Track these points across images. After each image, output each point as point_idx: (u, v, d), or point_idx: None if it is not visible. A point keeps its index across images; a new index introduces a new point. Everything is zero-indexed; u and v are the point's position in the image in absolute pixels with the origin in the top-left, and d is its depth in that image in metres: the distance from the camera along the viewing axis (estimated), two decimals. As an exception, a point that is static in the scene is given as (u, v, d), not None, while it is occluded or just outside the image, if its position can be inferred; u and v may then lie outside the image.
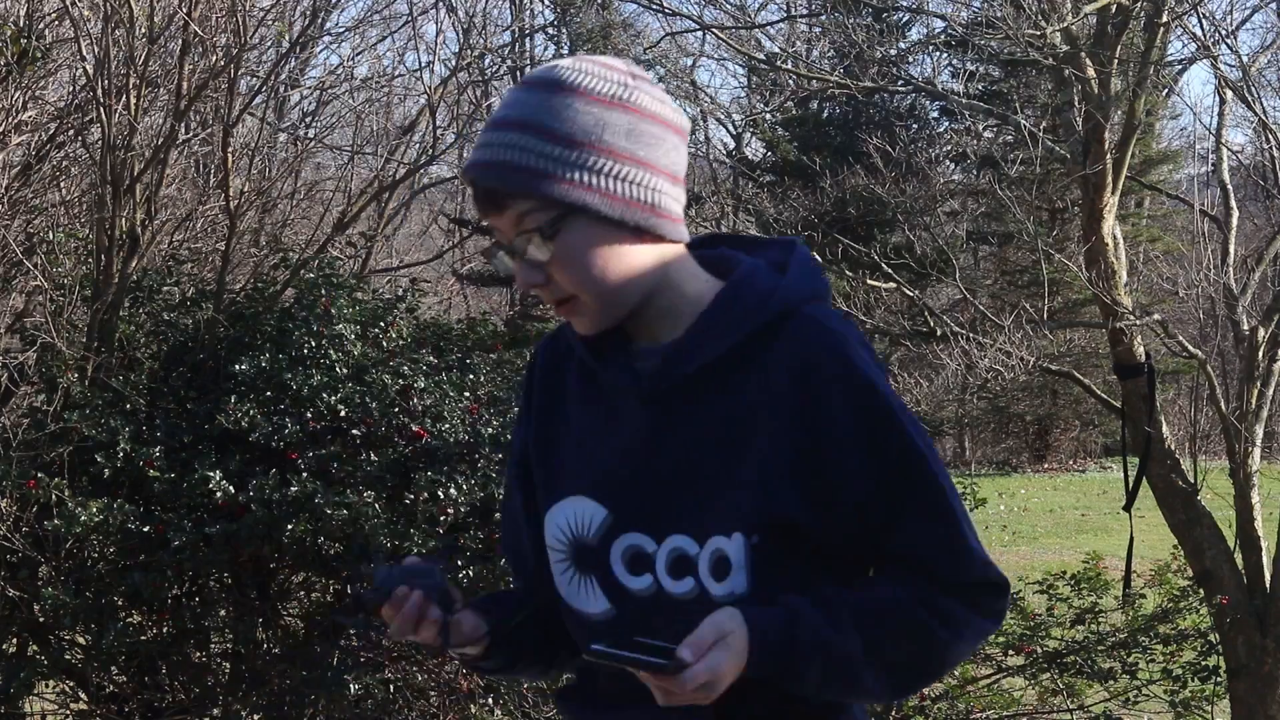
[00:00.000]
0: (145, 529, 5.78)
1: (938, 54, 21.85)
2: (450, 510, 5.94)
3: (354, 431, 6.15)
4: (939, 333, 9.07)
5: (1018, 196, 17.91)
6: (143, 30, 6.52)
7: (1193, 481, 8.31)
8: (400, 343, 6.57)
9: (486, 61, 13.53)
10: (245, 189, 7.53)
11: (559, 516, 1.92)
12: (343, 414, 6.11)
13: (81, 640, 6.28)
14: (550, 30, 21.65)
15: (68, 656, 6.22)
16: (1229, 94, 9.26)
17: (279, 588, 6.60)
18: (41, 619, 6.19)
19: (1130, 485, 8.03)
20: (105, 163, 6.45)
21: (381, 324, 6.57)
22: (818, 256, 2.06)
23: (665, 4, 10.36)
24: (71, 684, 6.53)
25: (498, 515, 5.79)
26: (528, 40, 21.27)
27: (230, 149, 6.96)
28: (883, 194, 16.24)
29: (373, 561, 1.89)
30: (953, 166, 24.24)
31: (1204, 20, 8.57)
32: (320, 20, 11.84)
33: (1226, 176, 9.27)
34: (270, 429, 5.99)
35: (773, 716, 1.85)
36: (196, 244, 8.07)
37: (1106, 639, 7.52)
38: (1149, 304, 14.63)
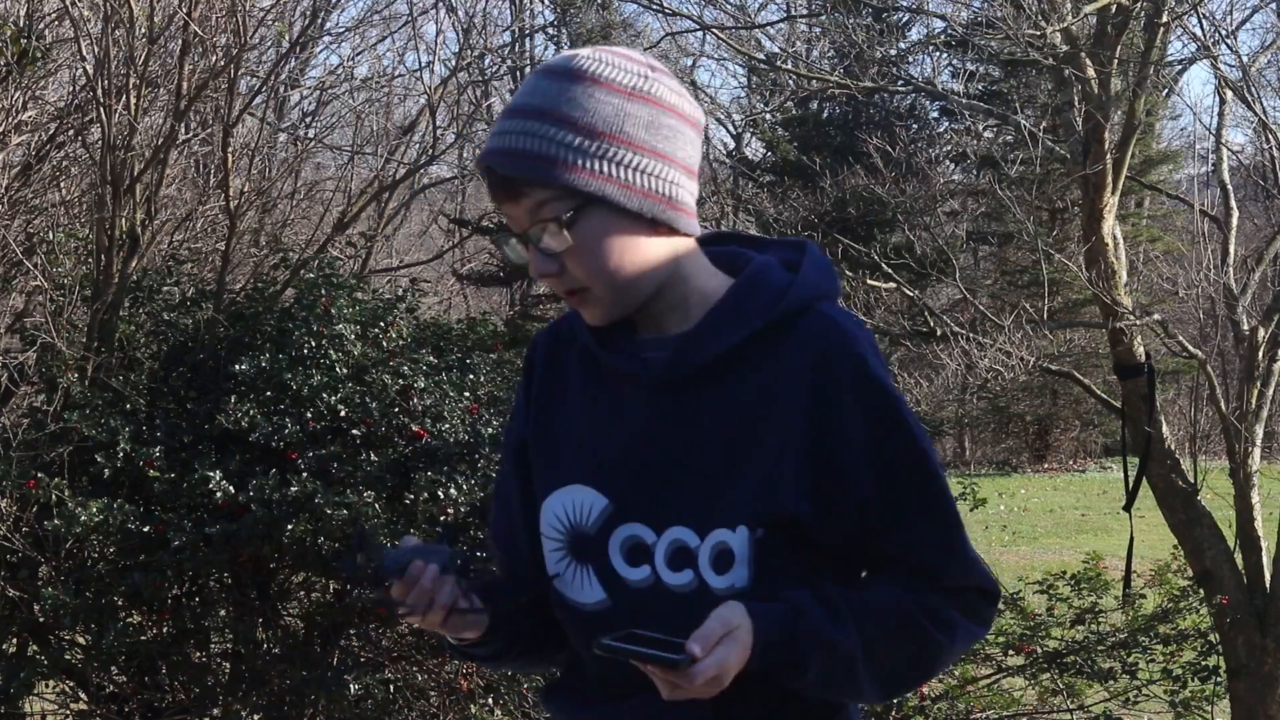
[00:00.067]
0: (145, 529, 5.78)
1: (938, 54, 21.86)
2: (450, 510, 5.94)
3: (354, 431, 6.15)
4: (939, 333, 9.07)
5: (1018, 196, 17.92)
6: (143, 30, 6.52)
7: (1193, 481, 8.31)
8: (400, 343, 6.57)
9: (486, 61, 13.53)
10: (245, 189, 7.52)
11: (556, 505, 1.91)
12: (343, 414, 6.11)
13: (81, 640, 6.27)
14: (550, 30, 21.65)
15: (68, 656, 6.22)
16: (1229, 94, 9.26)
17: (279, 588, 6.60)
18: (41, 619, 6.19)
19: (1130, 485, 8.03)
20: (105, 163, 6.45)
21: (381, 324, 6.57)
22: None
23: (665, 4, 10.36)
24: (71, 684, 6.53)
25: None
26: (528, 40, 21.28)
27: (230, 149, 6.95)
28: (883, 194, 16.24)
29: (366, 545, 1.86)
30: (953, 166, 24.24)
31: (1204, 20, 8.57)
32: (320, 20, 11.85)
33: (1226, 176, 9.27)
34: (270, 429, 5.99)
35: (771, 714, 1.85)
36: (196, 244, 8.07)
37: (1106, 639, 7.52)
38: (1149, 304, 14.63)
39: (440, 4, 13.12)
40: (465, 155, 13.74)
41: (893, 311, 12.65)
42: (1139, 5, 7.98)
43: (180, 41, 6.75)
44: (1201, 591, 7.94)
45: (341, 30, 14.32)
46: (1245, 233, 13.04)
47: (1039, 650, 7.47)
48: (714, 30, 10.46)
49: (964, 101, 12.61)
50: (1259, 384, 8.43)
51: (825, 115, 24.13)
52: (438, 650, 6.35)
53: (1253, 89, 9.08)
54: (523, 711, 6.40)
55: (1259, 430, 8.43)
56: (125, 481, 6.06)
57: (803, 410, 1.82)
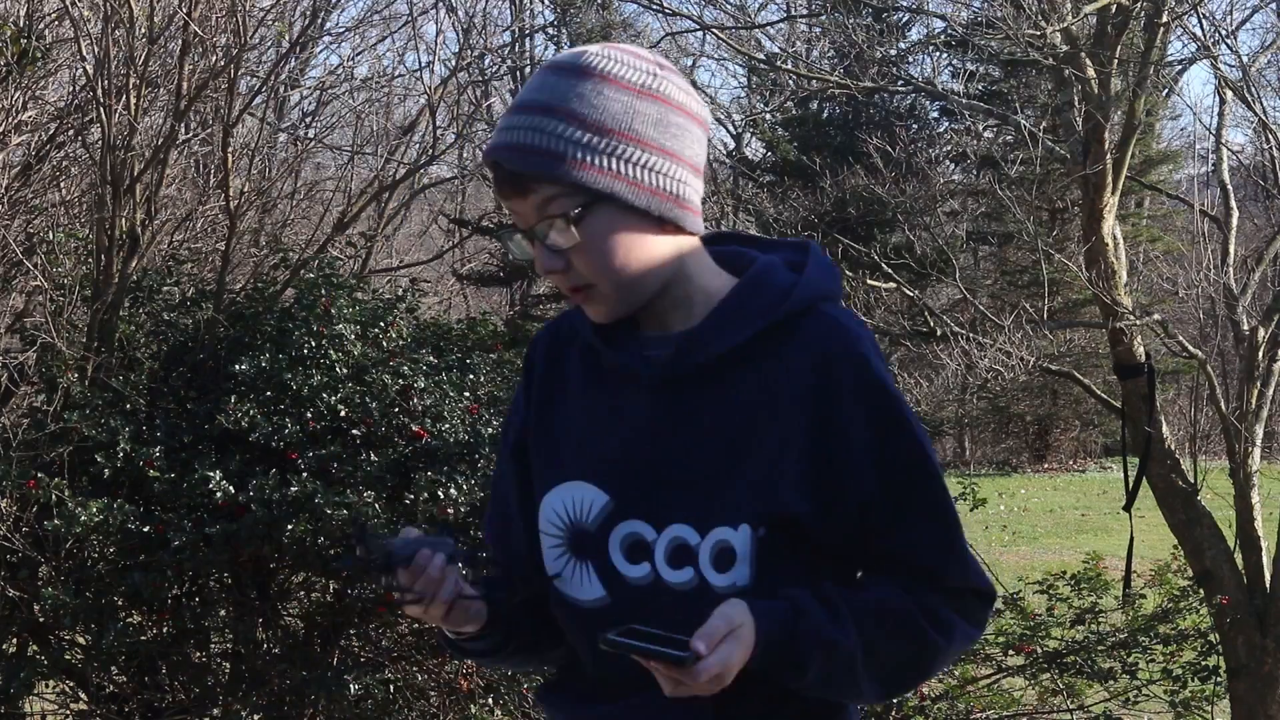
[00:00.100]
0: (145, 529, 5.78)
1: (938, 54, 21.86)
2: (450, 510, 5.94)
3: (354, 431, 6.14)
4: (939, 333, 9.07)
5: (1018, 196, 17.92)
6: (143, 30, 6.52)
7: (1193, 481, 8.31)
8: (400, 343, 6.56)
9: (486, 61, 13.53)
10: (245, 189, 7.52)
11: (555, 501, 1.91)
12: (343, 414, 6.11)
13: (81, 640, 6.27)
14: (550, 30, 21.66)
15: (68, 656, 6.22)
16: (1229, 94, 9.26)
17: (279, 588, 6.60)
18: (41, 619, 6.19)
19: (1130, 485, 8.03)
20: (105, 163, 6.45)
21: (381, 324, 6.57)
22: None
23: (665, 4, 10.35)
24: (71, 684, 6.52)
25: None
26: (528, 40, 21.28)
27: (230, 149, 6.95)
28: (883, 194, 16.23)
29: (366, 539, 1.84)
30: (953, 166, 24.25)
31: (1204, 20, 8.56)
32: (320, 20, 11.85)
33: (1226, 176, 9.27)
34: (270, 429, 5.99)
35: (770, 714, 1.85)
36: (196, 244, 8.07)
37: (1106, 639, 7.52)
38: (1149, 304, 14.64)
39: (440, 4, 13.13)
40: (465, 155, 13.75)
41: (893, 311, 12.65)
42: (1139, 5, 7.98)
43: (180, 41, 6.75)
44: (1201, 591, 7.94)
45: (341, 30, 14.32)
46: (1245, 233, 13.03)
47: (1039, 650, 7.47)
48: (714, 30, 10.46)
49: (964, 101, 12.61)
50: (1259, 384, 8.43)
51: (825, 115, 24.14)
52: (438, 650, 6.35)
53: (1253, 89, 9.08)
54: (523, 711, 6.40)
55: (1259, 430, 8.42)
56: (125, 481, 6.06)
57: (805, 410, 1.82)
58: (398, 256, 15.55)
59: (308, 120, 14.15)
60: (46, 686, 6.78)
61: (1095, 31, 8.20)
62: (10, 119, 6.76)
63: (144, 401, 6.23)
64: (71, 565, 6.03)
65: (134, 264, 6.49)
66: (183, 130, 7.19)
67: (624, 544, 1.86)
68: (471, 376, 6.51)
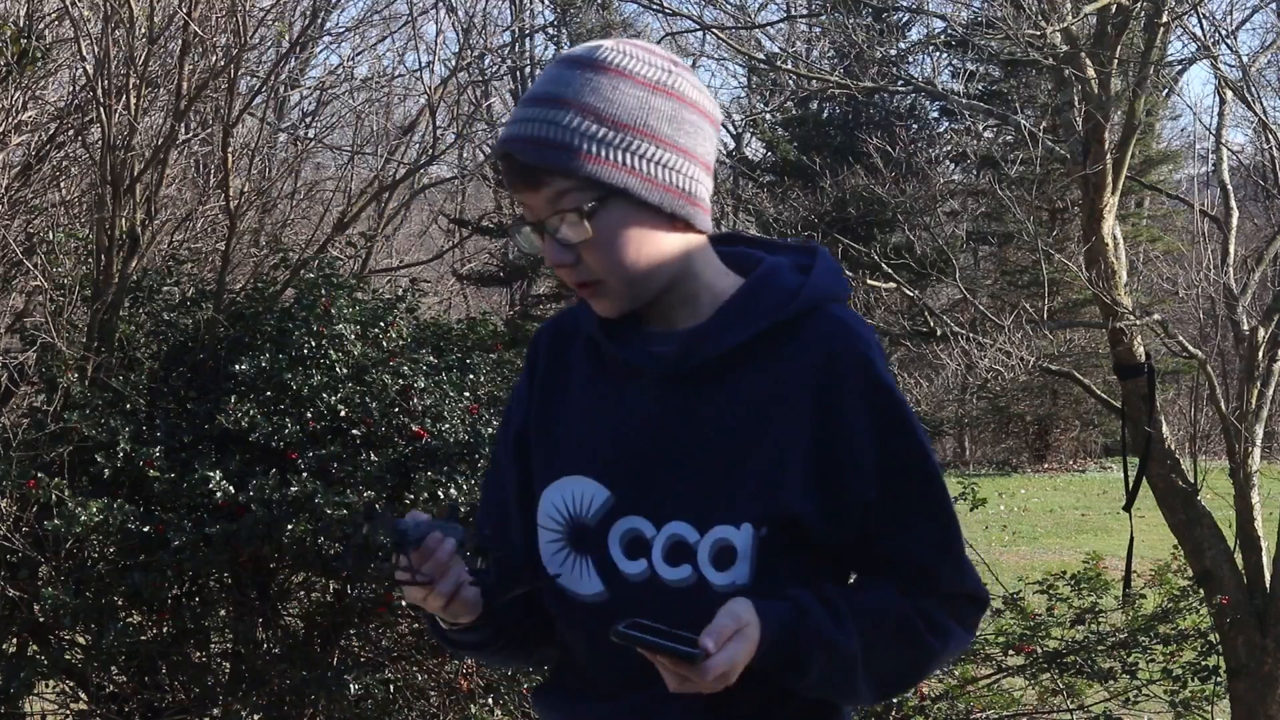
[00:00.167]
0: (145, 529, 5.78)
1: (938, 54, 21.87)
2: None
3: (354, 431, 6.14)
4: (939, 333, 9.08)
5: (1018, 196, 17.92)
6: (143, 30, 6.51)
7: (1193, 481, 8.31)
8: (400, 343, 6.56)
9: (486, 61, 13.53)
10: (245, 189, 7.52)
11: (555, 495, 1.91)
12: (343, 414, 6.11)
13: (81, 640, 6.27)
14: (550, 30, 21.67)
15: (68, 656, 6.22)
16: (1229, 94, 9.26)
17: (279, 588, 6.60)
18: (41, 619, 6.19)
19: (1130, 485, 8.03)
20: (105, 163, 6.45)
21: (381, 324, 6.57)
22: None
23: (665, 4, 10.35)
24: (71, 684, 6.52)
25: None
26: (528, 40, 21.29)
27: (230, 149, 6.95)
28: (883, 194, 16.25)
29: (375, 517, 1.83)
30: (953, 166, 24.27)
31: (1204, 20, 8.57)
32: (320, 20, 11.84)
33: (1226, 176, 9.27)
34: (270, 429, 5.99)
35: (765, 714, 1.85)
36: (196, 244, 8.06)
37: (1106, 639, 7.52)
38: (1149, 304, 14.64)
39: (440, 4, 13.11)
40: (465, 155, 13.75)
41: (893, 311, 12.66)
42: (1139, 5, 7.98)
43: (180, 41, 6.75)
44: (1201, 591, 7.94)
45: (341, 30, 14.32)
46: (1245, 233, 13.04)
47: (1039, 650, 7.47)
48: (714, 30, 10.45)
49: (964, 101, 12.62)
50: (1259, 384, 8.43)
51: (825, 115, 24.15)
52: (438, 650, 6.35)
53: (1253, 89, 9.08)
54: (523, 711, 6.40)
55: (1259, 430, 8.43)
56: (125, 481, 6.05)
57: (808, 410, 1.82)
58: (398, 256, 15.55)
59: (308, 120, 14.16)
60: (46, 686, 6.78)
61: (1095, 31, 8.20)
62: (10, 119, 6.76)
63: (144, 401, 6.23)
64: (71, 565, 6.03)
65: (134, 264, 6.49)
66: (183, 130, 7.19)
67: (623, 540, 1.86)
68: (471, 376, 6.51)
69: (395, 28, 13.82)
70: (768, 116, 22.98)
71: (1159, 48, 8.42)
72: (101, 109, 6.45)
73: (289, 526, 5.74)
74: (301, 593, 6.76)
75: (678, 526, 1.83)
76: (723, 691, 1.73)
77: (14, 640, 6.36)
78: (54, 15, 7.04)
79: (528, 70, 21.19)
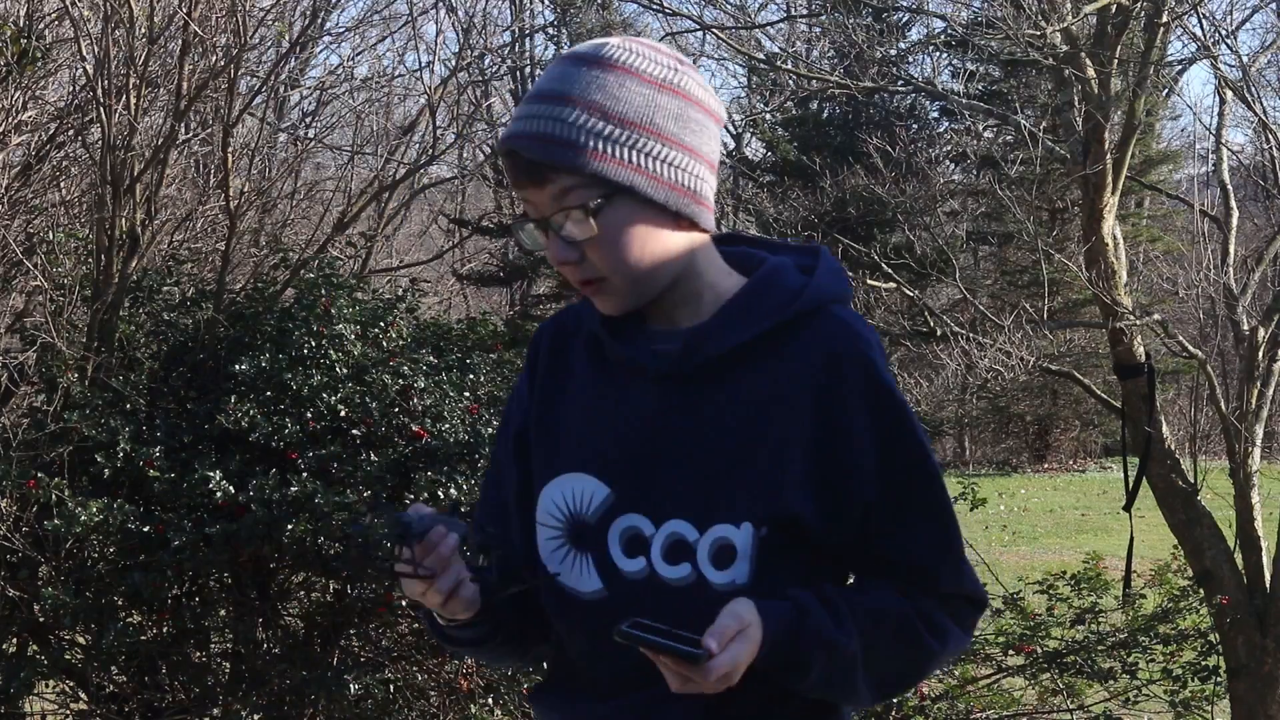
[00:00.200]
0: (145, 529, 5.78)
1: (938, 54, 21.87)
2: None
3: (354, 431, 6.14)
4: (939, 333, 9.08)
5: (1018, 196, 17.92)
6: (143, 30, 6.51)
7: (1193, 481, 8.31)
8: (400, 343, 6.56)
9: (486, 61, 13.53)
10: (245, 189, 7.52)
11: (554, 492, 1.90)
12: (343, 414, 6.11)
13: (81, 640, 6.27)
14: (550, 30, 21.67)
15: (68, 656, 6.22)
16: (1229, 94, 9.26)
17: (279, 588, 6.60)
18: (41, 619, 6.18)
19: (1130, 485, 8.03)
20: (105, 163, 6.45)
21: (381, 324, 6.56)
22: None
23: (665, 4, 10.35)
24: (71, 684, 6.52)
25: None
26: (528, 40, 21.29)
27: (230, 149, 6.95)
28: (883, 194, 16.25)
29: (380, 509, 1.83)
30: (953, 166, 24.27)
31: (1204, 20, 8.57)
32: (320, 20, 11.85)
33: (1226, 176, 9.27)
34: (270, 429, 5.99)
35: (765, 714, 1.84)
36: (196, 244, 8.06)
37: (1106, 639, 7.52)
38: (1149, 304, 14.64)
39: (440, 4, 13.12)
40: (465, 155, 13.76)
41: (893, 311, 12.67)
42: (1139, 5, 7.98)
43: (180, 41, 6.75)
44: (1201, 591, 7.94)
45: (341, 30, 14.33)
46: (1245, 233, 13.04)
47: (1039, 650, 7.46)
48: (714, 30, 10.45)
49: (964, 101, 12.61)
50: (1259, 384, 8.43)
51: (825, 115, 24.16)
52: (438, 650, 6.35)
53: (1253, 89, 9.08)
54: (523, 711, 6.40)
55: (1259, 430, 8.43)
56: (125, 481, 6.05)
57: (809, 410, 1.82)
58: (398, 256, 15.55)
59: (308, 120, 14.17)
60: (46, 686, 6.78)
61: (1095, 31, 8.20)
62: (10, 119, 6.76)
63: (144, 401, 6.23)
64: (71, 565, 6.03)
65: (134, 264, 6.49)
66: (183, 130, 7.19)
67: (623, 538, 1.86)
68: (471, 376, 6.51)
69: (395, 28, 13.84)
70: (768, 116, 22.99)
71: (1159, 48, 8.42)
72: (101, 109, 6.45)
73: (289, 526, 5.74)
74: (301, 593, 6.76)
75: (677, 525, 1.83)
76: (724, 692, 1.73)
77: (14, 640, 6.36)
78: (54, 15, 7.04)
79: (528, 70, 21.20)
